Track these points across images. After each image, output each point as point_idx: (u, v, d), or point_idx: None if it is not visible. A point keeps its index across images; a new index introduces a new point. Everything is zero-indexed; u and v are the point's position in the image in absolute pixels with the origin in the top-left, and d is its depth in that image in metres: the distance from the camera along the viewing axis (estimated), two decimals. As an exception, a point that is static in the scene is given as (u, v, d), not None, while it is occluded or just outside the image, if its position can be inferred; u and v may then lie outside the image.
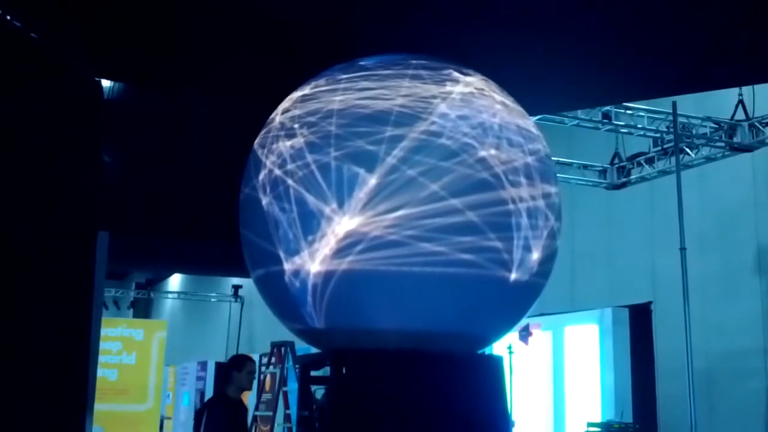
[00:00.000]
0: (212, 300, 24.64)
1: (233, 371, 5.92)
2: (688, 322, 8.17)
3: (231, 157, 5.76)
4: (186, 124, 7.60)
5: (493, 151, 4.75)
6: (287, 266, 4.82)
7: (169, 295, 27.27)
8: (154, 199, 8.36)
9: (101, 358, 11.49)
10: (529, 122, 5.23)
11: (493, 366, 5.28)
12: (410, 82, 4.93)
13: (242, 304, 22.50)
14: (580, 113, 9.72)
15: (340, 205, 4.61)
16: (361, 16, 5.35)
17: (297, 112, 5.00)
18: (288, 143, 4.89)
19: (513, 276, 4.76)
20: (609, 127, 10.09)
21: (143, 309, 28.84)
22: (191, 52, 5.97)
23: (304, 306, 4.89)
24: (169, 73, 6.46)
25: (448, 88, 4.95)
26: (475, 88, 5.04)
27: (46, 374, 4.45)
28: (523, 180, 4.83)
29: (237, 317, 22.45)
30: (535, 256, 4.86)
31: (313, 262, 4.71)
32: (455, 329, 4.86)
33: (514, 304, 5.09)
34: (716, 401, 10.22)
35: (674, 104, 9.10)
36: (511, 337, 9.94)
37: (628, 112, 9.99)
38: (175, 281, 28.13)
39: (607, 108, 9.76)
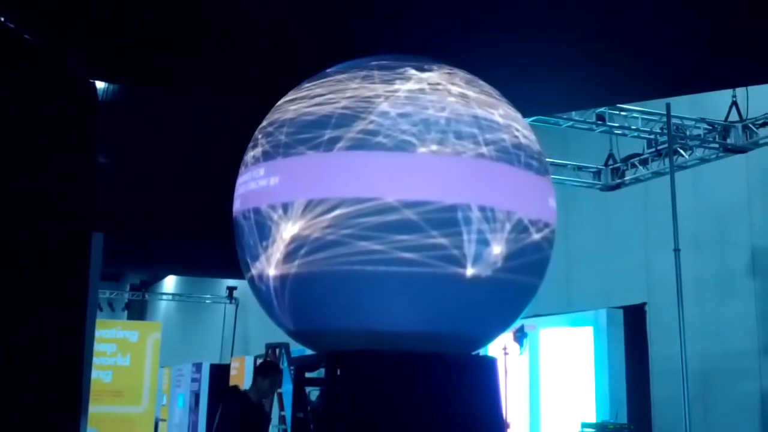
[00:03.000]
0: (207, 302, 24.61)
1: (258, 375, 6.08)
2: (682, 323, 8.19)
3: (226, 159, 5.76)
4: (181, 126, 7.60)
5: (434, 147, 4.67)
6: (254, 271, 5.03)
7: (164, 297, 27.26)
8: (148, 201, 8.36)
9: (96, 360, 11.46)
10: (497, 111, 5.02)
11: (487, 367, 5.28)
12: (358, 84, 4.93)
13: (237, 306, 22.48)
14: (574, 114, 9.72)
15: (285, 210, 4.74)
16: (360, 17, 5.36)
17: (264, 123, 5.19)
18: (251, 154, 5.11)
19: (469, 272, 4.63)
20: (603, 128, 10.11)
21: (138, 311, 28.82)
22: (188, 53, 5.97)
23: (274, 309, 5.07)
24: (165, 75, 6.45)
25: (396, 86, 4.89)
26: (428, 84, 4.94)
27: (40, 376, 4.44)
28: (472, 172, 4.71)
29: (232, 319, 22.43)
30: (497, 250, 4.71)
31: (270, 266, 4.89)
32: (424, 329, 4.79)
33: (490, 302, 4.93)
34: (710, 402, 10.24)
35: (668, 106, 9.11)
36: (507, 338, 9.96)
37: (623, 113, 10.00)
38: (170, 283, 28.11)
39: (602, 109, 9.77)
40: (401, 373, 4.88)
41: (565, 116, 9.70)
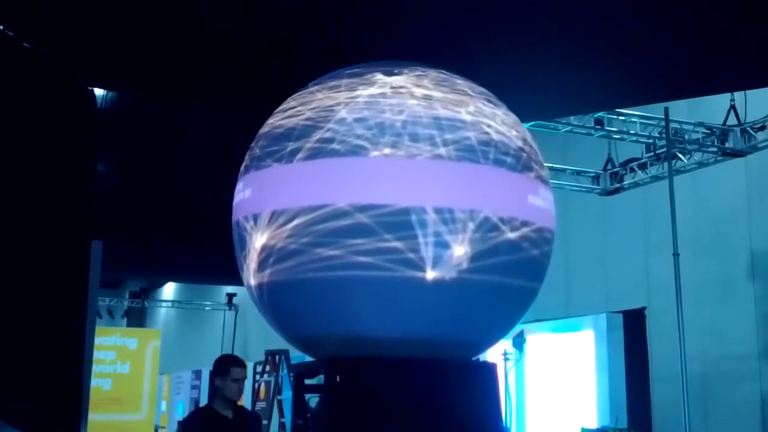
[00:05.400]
0: (206, 308, 24.59)
1: (215, 379, 4.98)
2: (681, 327, 8.18)
3: (224, 166, 5.77)
4: (180, 133, 7.61)
5: (387, 150, 4.62)
6: (244, 281, 5.16)
7: (163, 304, 27.22)
8: (148, 208, 8.36)
9: (95, 368, 11.45)
10: (465, 109, 4.88)
11: (486, 373, 5.26)
12: (324, 94, 4.95)
13: (236, 313, 22.46)
14: (573, 119, 9.73)
15: (255, 221, 4.85)
16: (359, 21, 5.36)
17: (252, 138, 5.32)
18: (241, 168, 5.26)
19: (430, 275, 4.55)
20: (602, 133, 10.12)
21: (137, 318, 28.77)
22: (187, 61, 5.98)
23: (262, 316, 5.20)
24: (164, 82, 6.46)
25: (358, 92, 4.87)
26: (391, 88, 4.89)
27: (39, 384, 4.44)
28: (427, 174, 4.64)
29: (231, 325, 22.40)
30: (460, 251, 4.58)
31: (250, 276, 5.00)
32: (399, 335, 4.73)
33: (469, 305, 4.78)
34: (711, 406, 10.23)
35: (666, 110, 9.12)
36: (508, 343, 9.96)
37: (621, 118, 10.01)
38: (169, 290, 28.08)
39: (600, 114, 9.78)
40: (401, 379, 4.87)
41: (563, 121, 9.71)
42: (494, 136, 4.86)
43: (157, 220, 8.63)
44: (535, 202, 4.97)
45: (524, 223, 4.84)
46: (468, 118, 4.85)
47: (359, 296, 4.65)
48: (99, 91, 6.64)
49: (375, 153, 4.62)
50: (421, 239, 4.53)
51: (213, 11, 5.29)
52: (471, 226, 4.61)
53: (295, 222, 4.61)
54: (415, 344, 4.77)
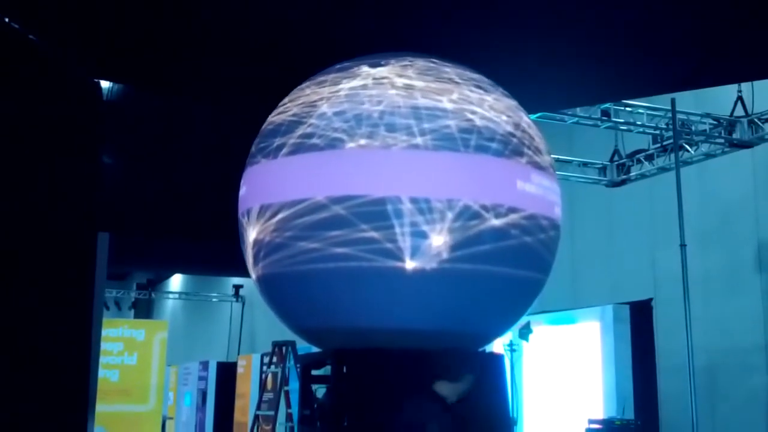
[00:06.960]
0: (213, 300, 24.63)
1: (469, 375, 4.44)
2: (688, 318, 8.17)
3: (230, 158, 5.78)
4: (186, 125, 7.62)
5: (363, 141, 4.63)
6: (249, 273, 5.28)
7: (170, 296, 27.27)
8: (154, 200, 8.37)
9: (102, 359, 11.48)
10: (448, 97, 4.81)
11: (493, 364, 5.27)
12: (312, 90, 4.99)
13: (243, 304, 22.49)
14: (579, 111, 9.70)
15: (248, 216, 4.96)
16: (359, 17, 5.35)
17: (256, 132, 5.39)
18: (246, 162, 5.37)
19: (410, 265, 4.53)
20: (608, 124, 10.09)
21: (144, 309, 28.83)
22: (191, 54, 5.98)
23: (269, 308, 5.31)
24: (169, 76, 6.46)
25: (341, 86, 4.88)
26: (373, 79, 4.88)
27: (47, 376, 4.46)
28: (402, 164, 4.63)
29: (238, 317, 22.44)
30: (439, 241, 4.54)
31: (250, 269, 5.14)
32: (386, 326, 4.75)
33: (459, 296, 4.73)
34: (717, 398, 10.22)
35: (673, 101, 9.10)
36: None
37: (628, 109, 9.99)
38: (176, 281, 28.13)
39: (607, 105, 9.75)
40: (408, 369, 4.88)
41: (570, 112, 9.68)
42: (478, 122, 4.78)
43: (164, 212, 8.65)
44: (526, 188, 4.85)
45: (512, 210, 4.74)
46: (450, 106, 4.79)
47: (342, 287, 4.69)
48: (105, 84, 6.65)
49: (351, 145, 4.64)
50: (397, 229, 4.52)
51: (213, 11, 5.29)
52: (450, 215, 4.57)
53: (279, 216, 4.69)
54: (410, 336, 4.77)
